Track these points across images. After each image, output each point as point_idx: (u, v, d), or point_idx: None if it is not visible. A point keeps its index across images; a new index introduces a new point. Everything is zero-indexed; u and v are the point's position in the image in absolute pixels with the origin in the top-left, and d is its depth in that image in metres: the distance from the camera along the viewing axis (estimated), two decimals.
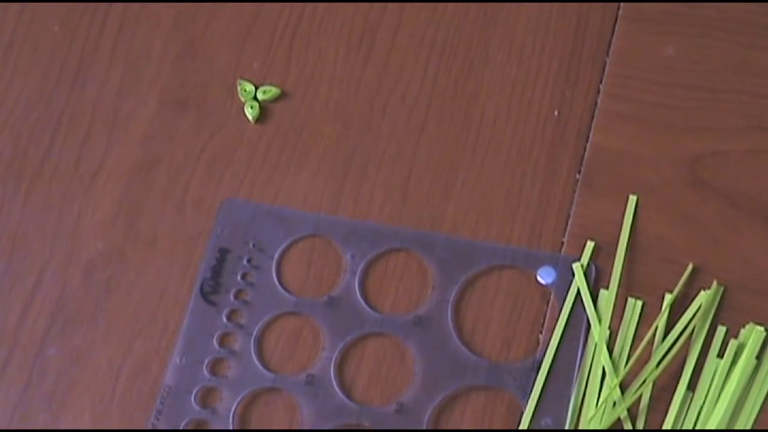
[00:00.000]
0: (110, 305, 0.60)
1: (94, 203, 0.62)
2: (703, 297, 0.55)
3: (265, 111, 0.64)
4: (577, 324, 0.56)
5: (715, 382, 0.54)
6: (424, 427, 0.55)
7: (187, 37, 0.67)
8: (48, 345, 0.59)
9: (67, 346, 0.59)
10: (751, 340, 0.54)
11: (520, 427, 0.55)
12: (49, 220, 0.62)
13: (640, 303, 0.56)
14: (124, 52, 0.67)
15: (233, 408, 0.57)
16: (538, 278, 0.58)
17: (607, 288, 0.57)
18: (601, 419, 0.54)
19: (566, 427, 0.54)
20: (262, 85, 0.65)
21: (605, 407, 0.54)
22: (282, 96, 0.65)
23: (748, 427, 0.53)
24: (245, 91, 0.64)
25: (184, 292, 0.59)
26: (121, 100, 0.65)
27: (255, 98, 0.64)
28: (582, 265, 0.57)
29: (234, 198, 0.62)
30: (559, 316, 0.56)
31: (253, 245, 0.60)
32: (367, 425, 0.56)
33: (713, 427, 0.53)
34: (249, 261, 0.60)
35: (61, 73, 0.66)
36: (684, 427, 0.54)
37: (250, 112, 0.64)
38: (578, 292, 0.57)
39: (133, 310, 0.60)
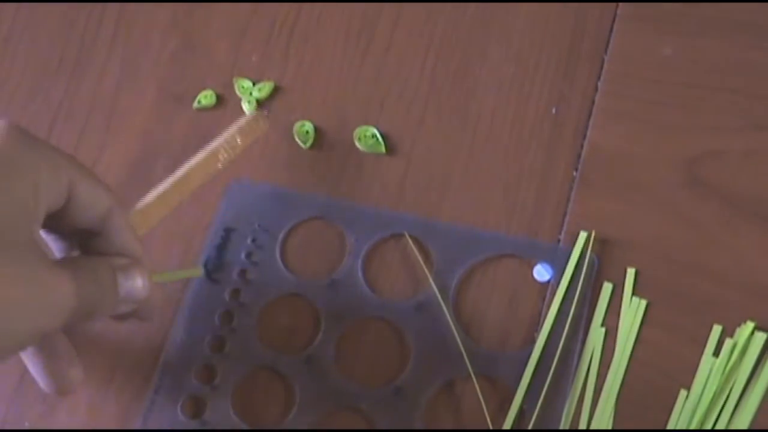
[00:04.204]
0: None
1: None
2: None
3: (262, 105, 0.64)
4: (577, 317, 0.56)
5: (710, 381, 0.54)
6: (421, 412, 0.55)
7: (186, 30, 0.67)
8: None
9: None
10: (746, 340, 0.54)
11: (508, 418, 0.55)
12: None
13: (644, 302, 0.56)
14: (122, 45, 0.67)
15: (232, 385, 0.57)
16: (535, 276, 0.58)
17: (608, 281, 0.57)
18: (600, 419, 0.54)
19: (562, 423, 0.54)
20: (259, 80, 0.65)
21: (603, 406, 0.54)
22: (277, 90, 0.65)
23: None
24: (242, 87, 0.64)
25: (181, 285, 0.59)
26: (119, 93, 0.65)
27: (252, 94, 0.64)
28: (589, 235, 0.58)
29: (240, 179, 0.62)
30: (558, 309, 0.57)
31: (259, 225, 0.60)
32: (363, 408, 0.56)
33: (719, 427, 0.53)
34: (254, 241, 0.60)
35: (59, 66, 0.67)
36: (680, 427, 0.54)
37: (247, 107, 0.64)
38: (578, 286, 0.57)
39: None
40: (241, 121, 0.55)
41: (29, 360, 0.46)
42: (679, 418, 0.54)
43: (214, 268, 0.59)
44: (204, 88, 0.65)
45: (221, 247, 0.60)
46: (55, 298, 0.40)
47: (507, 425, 0.55)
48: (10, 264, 0.38)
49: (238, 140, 0.54)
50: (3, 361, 0.40)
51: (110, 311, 0.44)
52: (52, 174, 0.41)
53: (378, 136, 0.62)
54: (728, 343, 0.55)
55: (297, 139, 0.63)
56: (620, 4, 0.64)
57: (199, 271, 0.57)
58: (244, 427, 0.56)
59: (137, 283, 0.45)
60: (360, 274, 0.59)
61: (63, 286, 0.40)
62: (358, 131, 0.63)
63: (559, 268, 0.58)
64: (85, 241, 0.46)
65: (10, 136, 0.40)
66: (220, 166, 0.55)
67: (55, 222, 0.44)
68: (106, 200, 0.45)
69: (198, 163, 0.54)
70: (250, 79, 0.65)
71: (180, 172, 0.52)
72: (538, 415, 0.54)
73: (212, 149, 0.54)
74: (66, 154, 0.42)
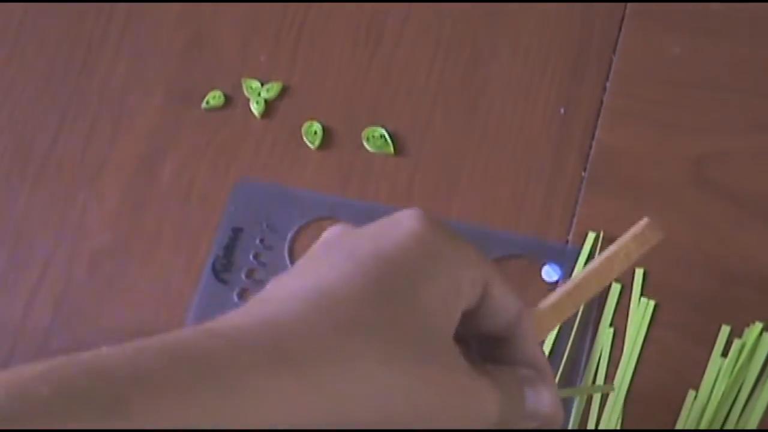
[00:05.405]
0: (114, 298, 0.60)
1: (99, 195, 0.62)
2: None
3: (270, 105, 0.64)
4: (586, 317, 0.56)
5: (718, 382, 0.54)
6: None
7: (194, 29, 0.67)
8: (52, 338, 0.59)
9: (71, 338, 0.59)
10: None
11: None
12: (54, 212, 0.62)
13: (652, 303, 0.56)
14: (130, 44, 0.67)
15: None
16: (543, 276, 0.58)
17: (617, 282, 0.57)
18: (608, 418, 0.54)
19: (570, 423, 0.54)
20: (267, 81, 0.65)
21: (612, 406, 0.54)
22: (286, 90, 0.65)
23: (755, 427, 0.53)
24: (251, 88, 0.64)
25: (189, 285, 0.59)
26: (127, 92, 0.65)
27: (260, 94, 0.64)
28: (598, 235, 0.58)
29: (247, 178, 0.62)
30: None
31: (267, 225, 0.60)
32: None
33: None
34: (262, 241, 0.60)
35: (68, 65, 0.67)
36: (688, 427, 0.54)
37: (255, 107, 0.64)
38: None
39: (138, 303, 0.60)
40: (636, 229, 0.55)
41: None
42: (687, 418, 0.54)
43: (223, 269, 0.59)
44: (212, 89, 0.65)
45: (229, 247, 0.60)
46: (479, 409, 0.36)
47: None
48: (438, 368, 0.34)
49: (633, 248, 0.53)
50: None
51: (515, 427, 0.39)
52: (471, 271, 0.37)
53: (386, 136, 0.62)
54: (737, 343, 0.55)
55: (305, 140, 0.63)
56: (629, 3, 0.64)
57: (610, 388, 0.55)
58: None
59: (545, 399, 0.39)
60: None
61: (488, 396, 0.36)
62: (367, 132, 0.63)
63: (568, 268, 0.57)
64: (487, 348, 0.41)
65: (432, 230, 0.37)
66: (614, 275, 0.54)
67: (462, 324, 0.38)
68: (516, 304, 0.39)
69: (593, 271, 0.53)
70: (258, 79, 0.65)
71: (575, 279, 0.51)
72: None
73: (607, 257, 0.53)
74: (480, 251, 0.38)
